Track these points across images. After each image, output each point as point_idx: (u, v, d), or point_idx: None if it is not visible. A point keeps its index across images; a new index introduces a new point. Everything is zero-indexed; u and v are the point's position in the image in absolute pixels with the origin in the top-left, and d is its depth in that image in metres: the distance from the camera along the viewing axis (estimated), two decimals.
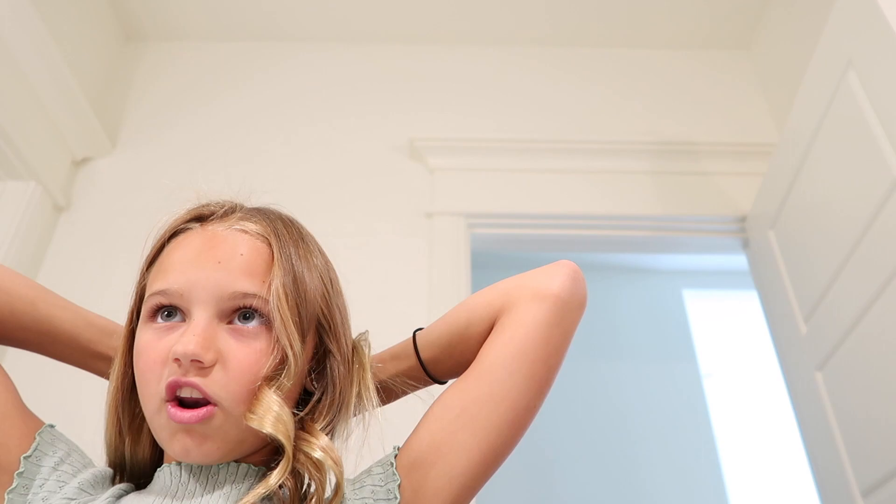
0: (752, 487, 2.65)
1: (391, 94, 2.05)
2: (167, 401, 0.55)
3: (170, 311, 0.59)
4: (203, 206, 0.66)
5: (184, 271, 0.59)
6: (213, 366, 0.56)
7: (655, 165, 1.90)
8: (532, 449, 2.61)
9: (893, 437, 1.22)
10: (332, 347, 0.64)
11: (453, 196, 1.84)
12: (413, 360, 0.71)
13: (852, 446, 1.35)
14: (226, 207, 0.65)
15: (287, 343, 0.57)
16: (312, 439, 0.59)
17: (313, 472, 0.57)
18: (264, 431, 0.55)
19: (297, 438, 0.58)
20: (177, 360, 0.55)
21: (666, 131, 1.98)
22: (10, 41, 1.55)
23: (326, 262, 0.69)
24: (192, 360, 0.55)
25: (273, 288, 0.58)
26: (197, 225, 0.64)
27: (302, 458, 0.58)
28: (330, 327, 0.64)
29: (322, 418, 0.61)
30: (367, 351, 0.69)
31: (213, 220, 0.64)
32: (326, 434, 0.61)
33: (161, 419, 0.56)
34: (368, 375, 0.66)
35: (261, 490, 0.54)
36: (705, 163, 1.91)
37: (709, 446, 2.66)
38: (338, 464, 0.58)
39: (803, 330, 1.52)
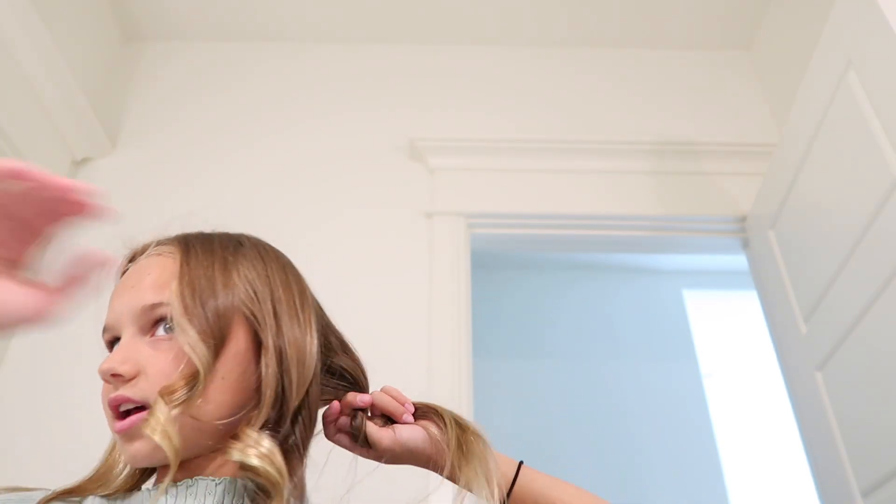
0: (752, 487, 2.65)
1: (391, 94, 2.05)
2: (115, 418, 0.60)
3: (118, 340, 0.64)
4: (132, 249, 0.71)
5: (112, 306, 0.65)
6: (136, 377, 0.60)
7: (655, 165, 1.90)
8: (532, 449, 2.61)
9: (893, 437, 1.22)
10: (266, 342, 0.64)
11: (453, 196, 1.83)
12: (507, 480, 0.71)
13: (852, 446, 1.35)
14: (152, 240, 0.69)
15: (187, 344, 0.59)
16: (249, 446, 0.59)
17: (255, 479, 0.59)
18: (154, 440, 0.56)
19: (234, 444, 0.60)
20: (105, 380, 0.61)
21: (666, 131, 1.97)
22: (10, 41, 1.55)
23: (265, 265, 0.69)
24: (112, 375, 0.59)
25: (170, 290, 0.62)
26: (131, 265, 0.69)
27: (246, 467, 0.59)
28: (259, 321, 0.64)
29: (257, 420, 0.62)
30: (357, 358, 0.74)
31: (138, 254, 0.69)
32: (275, 436, 0.62)
33: (116, 437, 0.61)
34: (308, 370, 0.65)
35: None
36: (705, 163, 1.91)
37: (709, 446, 2.66)
38: (278, 469, 0.58)
39: (803, 330, 1.52)
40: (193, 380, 0.59)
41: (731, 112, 2.04)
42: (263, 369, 0.63)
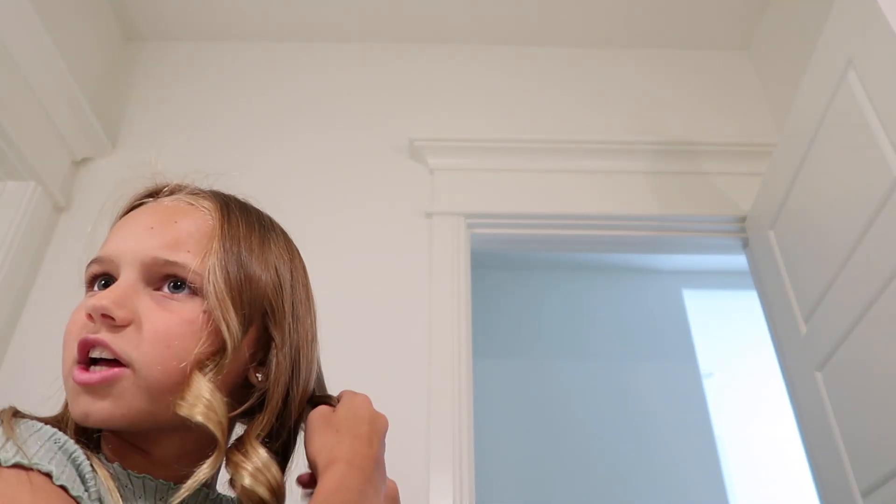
0: (752, 487, 2.65)
1: (391, 94, 2.05)
2: (78, 363, 0.52)
3: (106, 280, 0.56)
4: (158, 183, 0.63)
5: (117, 238, 0.57)
6: (127, 326, 0.52)
7: (655, 165, 1.90)
8: (532, 449, 2.61)
9: (893, 437, 1.22)
10: (276, 336, 0.58)
11: (453, 196, 1.83)
12: None
13: (852, 446, 1.35)
14: (179, 183, 0.63)
15: (221, 318, 0.53)
16: (243, 460, 0.53)
17: (247, 501, 0.52)
18: (194, 420, 0.51)
19: (242, 461, 0.54)
20: (89, 315, 0.52)
21: (666, 131, 1.97)
22: (10, 41, 1.54)
23: (291, 256, 0.64)
24: (102, 315, 0.52)
25: (210, 264, 0.55)
26: (151, 200, 0.62)
27: (236, 484, 0.53)
28: (274, 315, 0.58)
29: (261, 424, 0.56)
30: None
31: (164, 193, 0.62)
32: (270, 445, 0.56)
33: (69, 382, 0.53)
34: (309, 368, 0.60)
35: (183, 492, 0.51)
36: (705, 163, 1.91)
37: (709, 446, 2.66)
38: (273, 489, 0.53)
39: (803, 330, 1.52)
40: (218, 357, 0.53)
41: (730, 112, 2.04)
42: (273, 368, 0.57)
